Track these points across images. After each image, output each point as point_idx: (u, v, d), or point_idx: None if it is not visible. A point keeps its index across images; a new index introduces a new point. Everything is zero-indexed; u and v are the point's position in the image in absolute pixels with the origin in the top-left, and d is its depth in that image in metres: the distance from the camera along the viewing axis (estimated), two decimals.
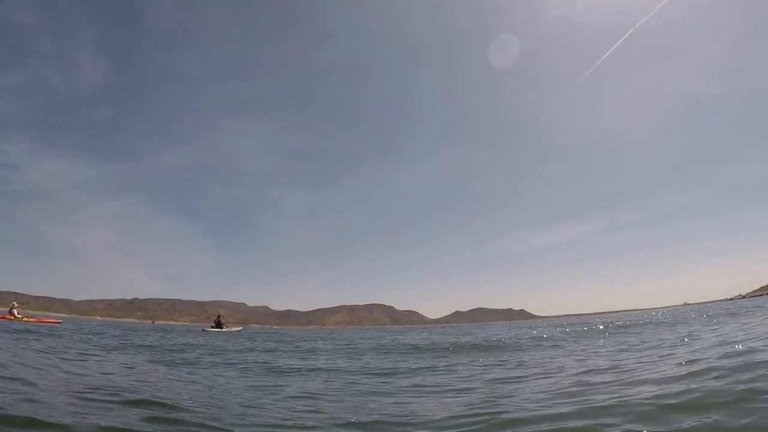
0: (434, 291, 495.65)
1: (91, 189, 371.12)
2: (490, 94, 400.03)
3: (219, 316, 35.03)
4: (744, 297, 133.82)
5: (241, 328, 40.22)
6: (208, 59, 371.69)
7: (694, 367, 5.24)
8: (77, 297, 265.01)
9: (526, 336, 17.31)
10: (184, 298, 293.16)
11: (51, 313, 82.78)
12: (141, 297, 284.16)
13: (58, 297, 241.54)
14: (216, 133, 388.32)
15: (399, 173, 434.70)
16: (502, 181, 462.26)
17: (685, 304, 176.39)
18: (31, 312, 44.12)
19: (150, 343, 14.71)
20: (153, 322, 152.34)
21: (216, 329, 32.16)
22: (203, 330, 32.47)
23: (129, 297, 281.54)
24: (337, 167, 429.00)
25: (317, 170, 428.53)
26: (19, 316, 25.63)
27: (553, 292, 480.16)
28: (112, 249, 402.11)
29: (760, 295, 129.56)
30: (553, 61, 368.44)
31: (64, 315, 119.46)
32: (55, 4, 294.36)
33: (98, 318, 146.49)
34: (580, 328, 21.32)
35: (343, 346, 15.69)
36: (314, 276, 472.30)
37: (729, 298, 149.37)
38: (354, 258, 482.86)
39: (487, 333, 23.85)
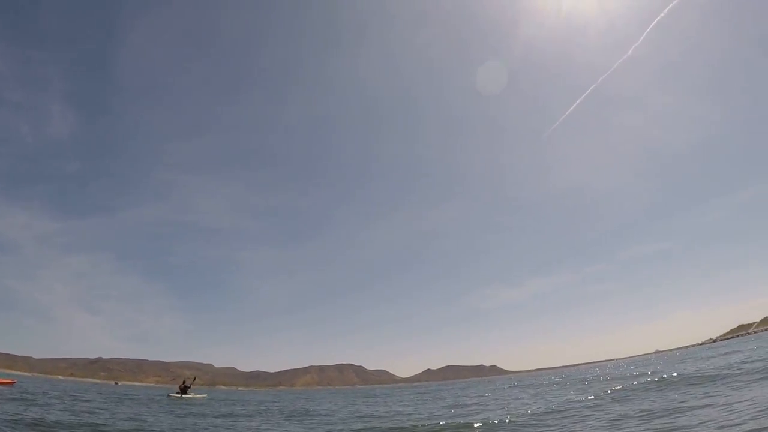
0: (404, 349, 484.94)
1: (56, 244, 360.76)
2: (455, 150, 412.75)
3: (184, 381, 33.85)
4: (715, 341, 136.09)
5: (205, 395, 39.02)
6: (178, 115, 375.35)
7: None
8: (39, 355, 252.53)
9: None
10: (149, 358, 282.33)
11: (12, 372, 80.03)
12: (105, 356, 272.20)
13: (20, 354, 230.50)
14: (185, 190, 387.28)
15: (366, 231, 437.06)
16: (469, 236, 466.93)
17: (657, 352, 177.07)
18: None
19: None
20: (116, 383, 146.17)
21: (180, 395, 31.26)
22: (168, 396, 31.34)
23: (92, 356, 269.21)
24: (305, 226, 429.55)
25: (285, 228, 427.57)
26: None
27: (524, 346, 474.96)
28: (76, 306, 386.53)
29: (731, 337, 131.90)
30: (517, 116, 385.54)
31: (25, 373, 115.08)
32: (27, 55, 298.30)
33: (60, 377, 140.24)
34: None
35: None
36: (283, 336, 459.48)
37: (700, 342, 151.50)
38: (323, 317, 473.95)
39: (459, 396, 25.05)
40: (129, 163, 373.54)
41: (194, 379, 39.63)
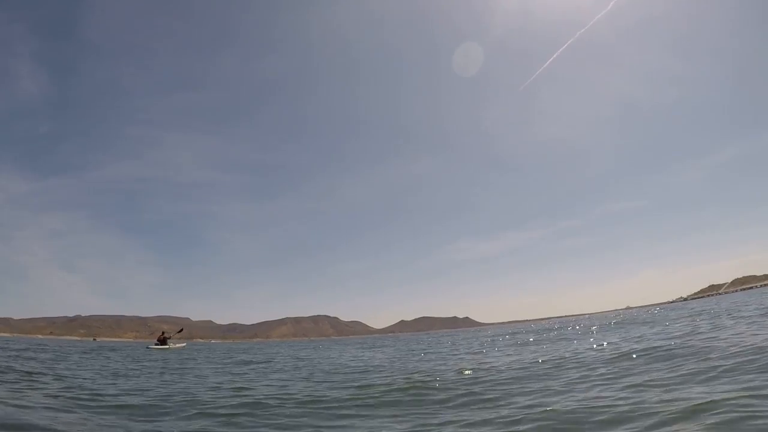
0: (379, 301, 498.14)
1: (30, 204, 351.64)
2: (431, 104, 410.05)
3: (163, 333, 34.72)
4: (685, 299, 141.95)
5: (185, 344, 40.27)
6: (151, 72, 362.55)
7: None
8: (18, 315, 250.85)
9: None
10: (127, 314, 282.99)
11: None
12: (83, 314, 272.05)
13: None
14: (159, 147, 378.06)
15: (343, 185, 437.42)
16: (445, 191, 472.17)
17: (628, 308, 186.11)
18: None
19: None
20: (95, 339, 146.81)
21: (161, 346, 32.09)
22: (147, 348, 32.04)
23: (71, 314, 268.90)
24: (281, 180, 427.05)
25: (262, 183, 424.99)
26: None
27: (498, 300, 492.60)
28: (53, 266, 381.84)
29: (701, 296, 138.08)
30: (494, 70, 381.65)
31: (5, 334, 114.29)
32: None
33: (39, 336, 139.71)
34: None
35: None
36: (259, 289, 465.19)
37: (671, 300, 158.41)
38: (299, 270, 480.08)
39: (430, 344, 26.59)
40: (100, 121, 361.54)
41: (181, 329, 40.81)
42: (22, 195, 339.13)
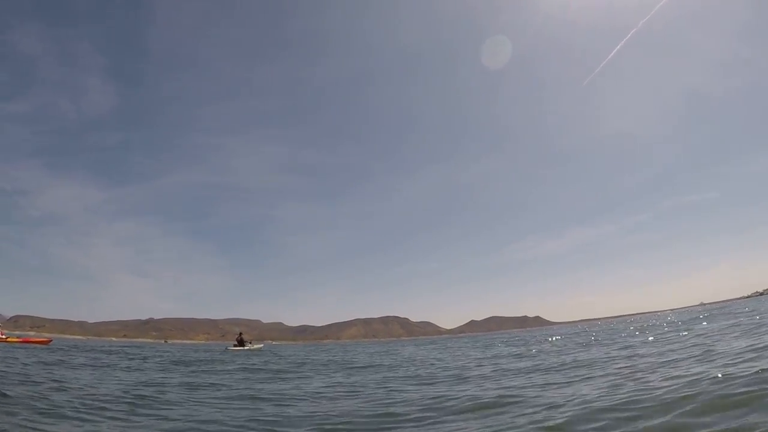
0: (448, 301, 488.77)
1: (102, 212, 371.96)
2: (490, 101, 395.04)
3: (240, 334, 34.20)
4: (762, 294, 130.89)
5: (262, 345, 38.36)
6: (210, 80, 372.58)
7: None
8: (92, 319, 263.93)
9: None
10: (198, 317, 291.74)
11: (65, 336, 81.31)
12: (155, 317, 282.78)
13: (74, 319, 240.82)
14: (221, 153, 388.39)
15: (404, 184, 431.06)
16: (507, 189, 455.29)
17: (701, 304, 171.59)
18: (18, 333, 46.99)
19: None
20: (166, 341, 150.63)
21: (239, 347, 31.02)
22: (226, 349, 30.92)
23: (143, 317, 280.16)
24: (342, 181, 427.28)
25: (323, 185, 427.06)
26: (3, 336, 26.64)
27: (567, 298, 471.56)
28: (124, 270, 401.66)
29: None
30: (554, 64, 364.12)
31: (80, 337, 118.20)
32: (59, 33, 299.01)
33: (113, 339, 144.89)
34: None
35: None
36: (327, 290, 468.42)
37: (747, 295, 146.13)
38: (366, 270, 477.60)
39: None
40: (166, 130, 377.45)
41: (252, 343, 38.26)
42: (97, 203, 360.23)
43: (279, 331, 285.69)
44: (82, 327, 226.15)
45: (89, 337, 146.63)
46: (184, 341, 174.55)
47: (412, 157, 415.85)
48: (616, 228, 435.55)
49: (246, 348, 31.31)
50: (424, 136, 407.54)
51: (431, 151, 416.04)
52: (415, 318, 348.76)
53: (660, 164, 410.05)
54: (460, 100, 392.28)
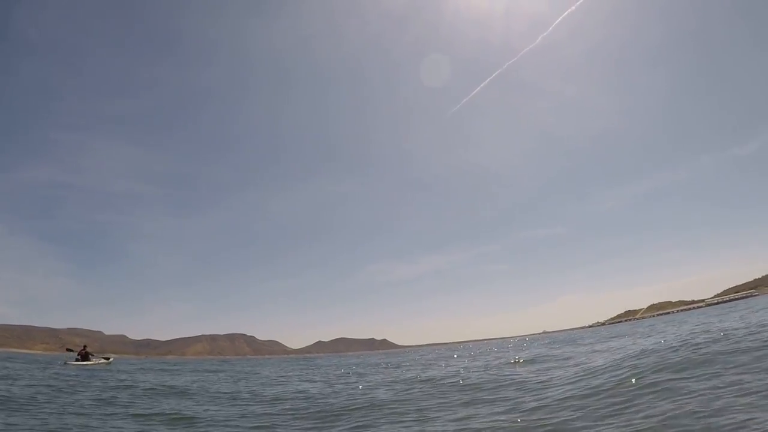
0: (298, 321, 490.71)
1: None
2: (358, 125, 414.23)
3: (85, 347, 31.10)
4: (603, 324, 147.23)
5: (111, 359, 35.28)
6: (82, 75, 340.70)
7: None
8: None
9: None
10: (37, 325, 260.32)
11: None
12: None
13: None
14: (83, 153, 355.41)
15: (266, 203, 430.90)
16: (367, 212, 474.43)
17: (544, 332, 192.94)
18: None
19: None
20: None
21: (82, 362, 28.38)
22: (65, 363, 27.19)
23: None
24: (205, 195, 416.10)
25: (185, 197, 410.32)
26: None
27: (417, 322, 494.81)
28: None
29: (618, 321, 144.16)
30: (423, 95, 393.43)
31: None
32: None
33: None
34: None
35: None
36: (175, 304, 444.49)
37: (589, 325, 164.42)
38: (216, 287, 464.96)
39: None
40: (23, 120, 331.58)
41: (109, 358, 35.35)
42: None
43: (122, 344, 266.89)
44: None
45: None
46: (22, 350, 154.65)
47: (276, 175, 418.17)
48: (467, 256, 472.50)
49: (92, 362, 28.96)
50: (290, 155, 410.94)
51: (296, 170, 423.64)
52: (262, 336, 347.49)
53: (513, 198, 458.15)
54: (330, 122, 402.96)
